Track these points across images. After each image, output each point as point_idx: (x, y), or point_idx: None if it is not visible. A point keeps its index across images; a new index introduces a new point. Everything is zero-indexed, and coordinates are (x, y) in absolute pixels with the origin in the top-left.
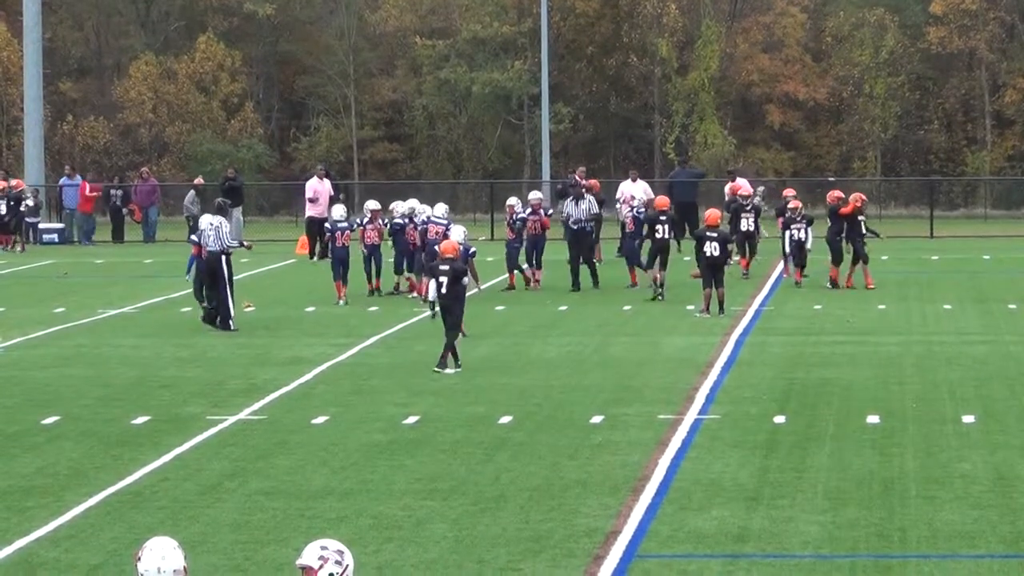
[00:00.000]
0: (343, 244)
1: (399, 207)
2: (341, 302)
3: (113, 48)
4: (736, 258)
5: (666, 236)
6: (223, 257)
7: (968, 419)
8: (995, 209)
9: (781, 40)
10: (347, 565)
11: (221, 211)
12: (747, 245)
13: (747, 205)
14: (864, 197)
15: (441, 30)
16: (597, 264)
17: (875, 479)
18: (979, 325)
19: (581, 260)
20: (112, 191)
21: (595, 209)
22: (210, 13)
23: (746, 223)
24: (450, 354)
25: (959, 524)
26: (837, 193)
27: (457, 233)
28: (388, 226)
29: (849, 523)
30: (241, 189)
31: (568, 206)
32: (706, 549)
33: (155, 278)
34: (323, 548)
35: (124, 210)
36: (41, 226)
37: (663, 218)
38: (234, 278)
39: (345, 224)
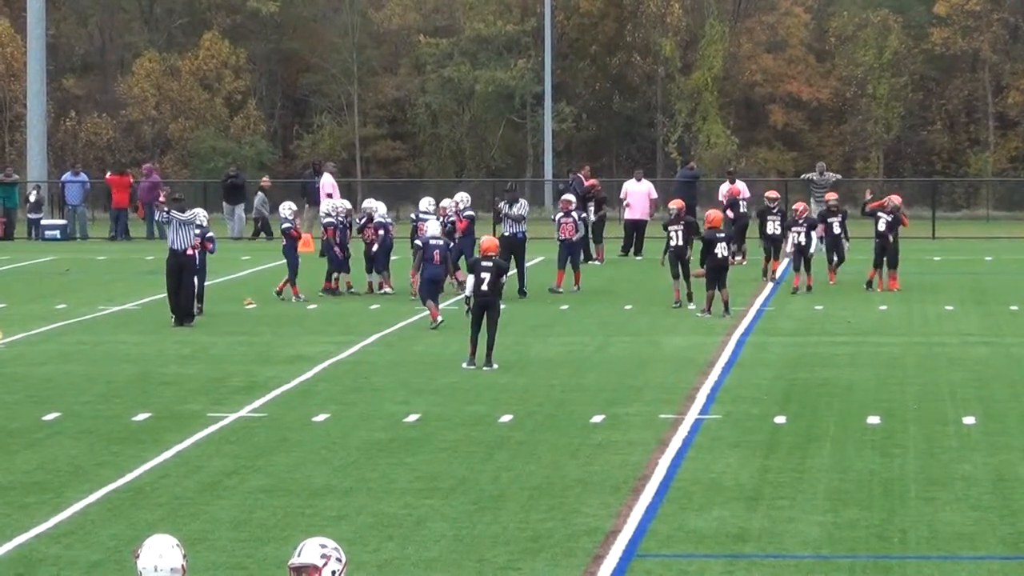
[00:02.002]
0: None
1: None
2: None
3: (117, 45)
4: (738, 259)
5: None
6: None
7: (969, 420)
8: (997, 210)
9: (785, 40)
10: (345, 562)
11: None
12: (772, 248)
13: (774, 208)
14: (897, 200)
15: (445, 28)
16: (598, 264)
17: (875, 480)
18: (980, 326)
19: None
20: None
21: (525, 214)
22: (214, 10)
23: (772, 226)
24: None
25: (959, 525)
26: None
27: (434, 227)
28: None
29: (849, 524)
30: (243, 186)
31: (503, 209)
32: (706, 549)
33: (157, 275)
34: (322, 546)
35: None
36: (43, 222)
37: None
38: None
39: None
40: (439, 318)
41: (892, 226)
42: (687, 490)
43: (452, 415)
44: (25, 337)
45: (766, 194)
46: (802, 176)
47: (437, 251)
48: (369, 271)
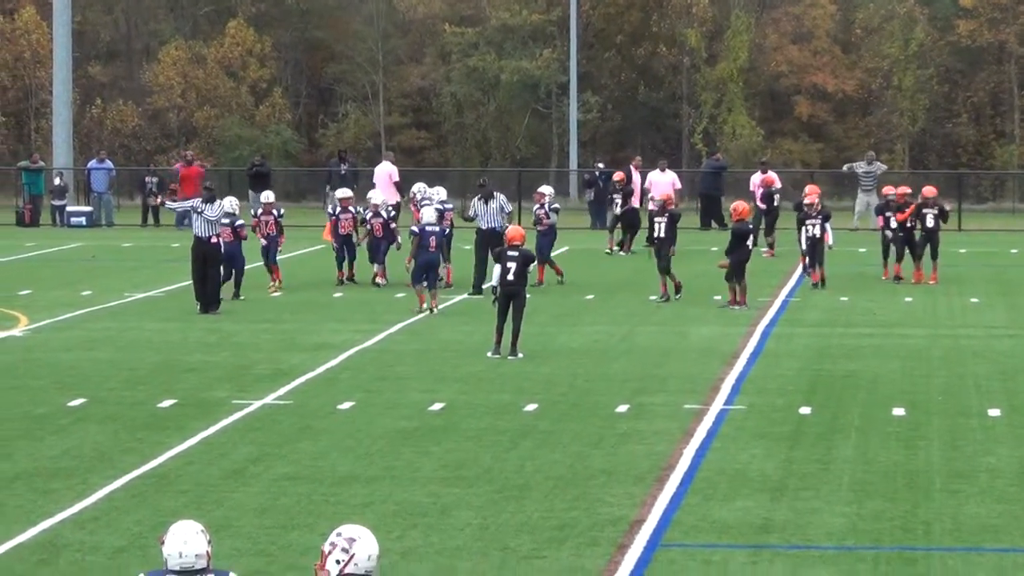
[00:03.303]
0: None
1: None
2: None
3: (142, 32)
4: (763, 251)
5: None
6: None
7: (994, 412)
8: (1023, 203)
9: (810, 31)
10: (352, 554)
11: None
12: (813, 252)
13: (813, 212)
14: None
15: (470, 18)
16: (623, 255)
17: (900, 472)
18: (1006, 319)
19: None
20: (147, 178)
21: (508, 208)
22: None
23: (811, 230)
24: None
25: (984, 517)
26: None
27: (429, 214)
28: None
29: (873, 515)
30: (269, 175)
31: (477, 206)
32: (730, 539)
33: (183, 262)
34: (337, 534)
35: (157, 197)
36: (69, 209)
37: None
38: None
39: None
40: (424, 306)
41: (938, 219)
42: (712, 480)
43: (477, 404)
44: (51, 323)
45: (806, 192)
46: (845, 167)
47: (433, 237)
48: (372, 262)
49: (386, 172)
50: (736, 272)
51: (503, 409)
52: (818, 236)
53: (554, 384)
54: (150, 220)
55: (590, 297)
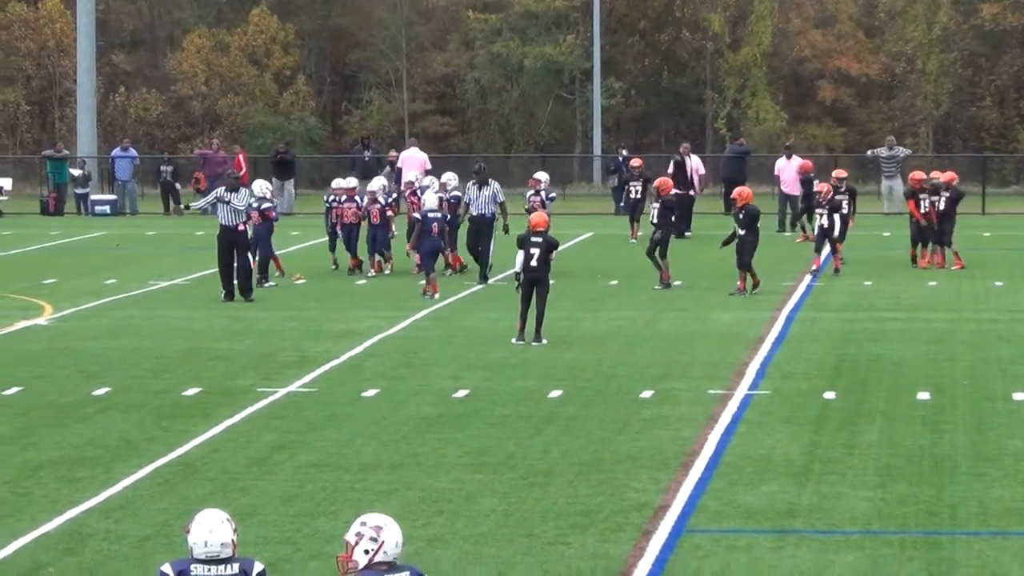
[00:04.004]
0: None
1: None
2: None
3: (166, 20)
4: (787, 234)
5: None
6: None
7: (1019, 396)
8: None
9: (834, 16)
10: (382, 542)
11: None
12: (822, 241)
13: (840, 187)
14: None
15: (494, 4)
16: (633, 243)
17: (925, 455)
18: None
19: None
20: (162, 166)
21: (501, 198)
22: None
23: (820, 219)
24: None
25: (1009, 501)
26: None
27: (432, 200)
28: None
29: (899, 499)
30: (293, 162)
31: (470, 191)
32: (755, 524)
33: (207, 250)
34: (362, 524)
35: (177, 184)
36: (93, 197)
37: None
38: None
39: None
40: (437, 295)
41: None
42: (736, 465)
43: (501, 390)
44: (75, 312)
45: (834, 174)
46: (868, 152)
47: (436, 223)
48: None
49: (420, 159)
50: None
51: (527, 395)
52: (825, 226)
53: (578, 370)
54: (171, 208)
55: (614, 283)
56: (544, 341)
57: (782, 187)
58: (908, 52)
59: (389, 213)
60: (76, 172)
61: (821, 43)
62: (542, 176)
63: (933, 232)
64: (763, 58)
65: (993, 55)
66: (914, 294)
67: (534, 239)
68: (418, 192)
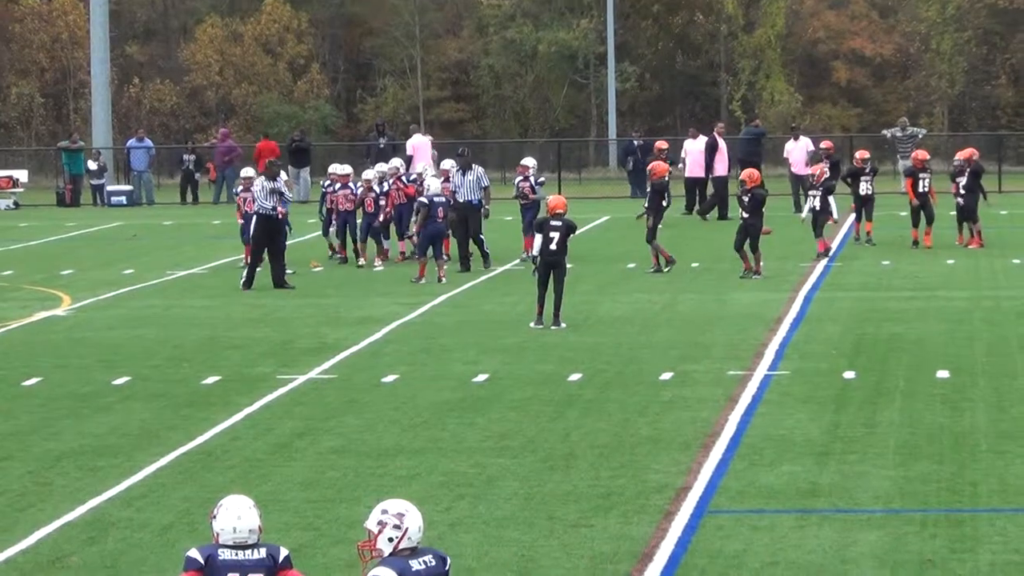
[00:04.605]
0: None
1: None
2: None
3: (179, 11)
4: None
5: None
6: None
7: None
8: None
9: None
10: (406, 528)
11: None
12: (863, 210)
13: (865, 168)
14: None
15: None
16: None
17: (946, 434)
18: None
19: (470, 236)
20: (185, 155)
21: (485, 182)
22: None
23: (865, 187)
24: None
25: None
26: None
27: (435, 185)
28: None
29: (920, 478)
30: (309, 150)
31: (454, 177)
32: (777, 504)
33: (224, 239)
34: (383, 512)
35: (197, 174)
36: (109, 188)
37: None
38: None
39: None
40: (444, 279)
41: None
42: (757, 446)
43: (521, 374)
44: (93, 302)
45: (856, 154)
46: (883, 132)
47: (441, 208)
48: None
49: (428, 146)
50: (753, 240)
51: (547, 379)
52: (816, 208)
53: (598, 353)
54: (189, 198)
55: (632, 266)
56: (563, 325)
57: (792, 168)
58: (922, 31)
59: (382, 202)
60: (93, 165)
61: (835, 24)
62: (529, 162)
63: (929, 211)
64: (777, 40)
65: (1007, 33)
66: (932, 273)
67: (554, 222)
68: (409, 179)
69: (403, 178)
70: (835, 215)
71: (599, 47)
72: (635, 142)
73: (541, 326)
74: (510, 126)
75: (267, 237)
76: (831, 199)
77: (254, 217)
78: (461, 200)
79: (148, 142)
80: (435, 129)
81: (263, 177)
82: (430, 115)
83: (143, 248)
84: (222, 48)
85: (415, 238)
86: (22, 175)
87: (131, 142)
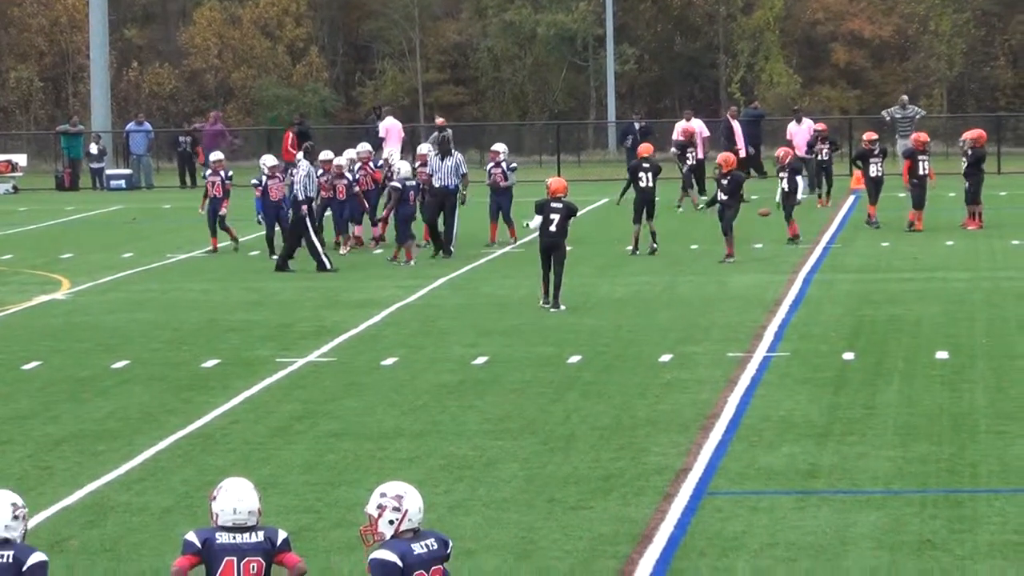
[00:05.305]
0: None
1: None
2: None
3: None
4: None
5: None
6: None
7: None
8: None
9: None
10: (405, 510)
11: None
12: (874, 191)
13: (875, 150)
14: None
15: None
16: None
17: (945, 415)
18: None
19: (443, 222)
20: (180, 138)
21: (464, 169)
22: None
23: (875, 169)
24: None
25: None
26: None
27: (406, 169)
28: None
29: (919, 458)
30: (308, 133)
31: (432, 161)
32: (776, 486)
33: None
34: (382, 495)
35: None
36: (108, 172)
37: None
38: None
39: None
40: (412, 262)
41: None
42: (756, 427)
43: (520, 356)
44: (93, 286)
45: (865, 136)
46: (883, 112)
47: (412, 191)
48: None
49: (398, 125)
50: (727, 223)
51: (547, 361)
52: (786, 190)
53: (597, 335)
54: (188, 181)
55: (630, 248)
56: (562, 307)
57: (798, 152)
58: (921, 13)
59: (356, 189)
60: (94, 149)
61: (834, 5)
62: (501, 147)
63: (923, 194)
64: (776, 21)
65: (1006, 14)
66: (931, 254)
67: (554, 204)
68: (380, 164)
69: (371, 163)
70: (800, 197)
71: (598, 29)
72: (636, 124)
73: (548, 305)
74: (509, 109)
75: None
76: (799, 179)
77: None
78: (438, 185)
79: (147, 126)
80: (434, 112)
81: (307, 162)
82: (429, 98)
83: (142, 232)
84: (221, 31)
85: (382, 224)
86: (21, 159)
87: (130, 126)
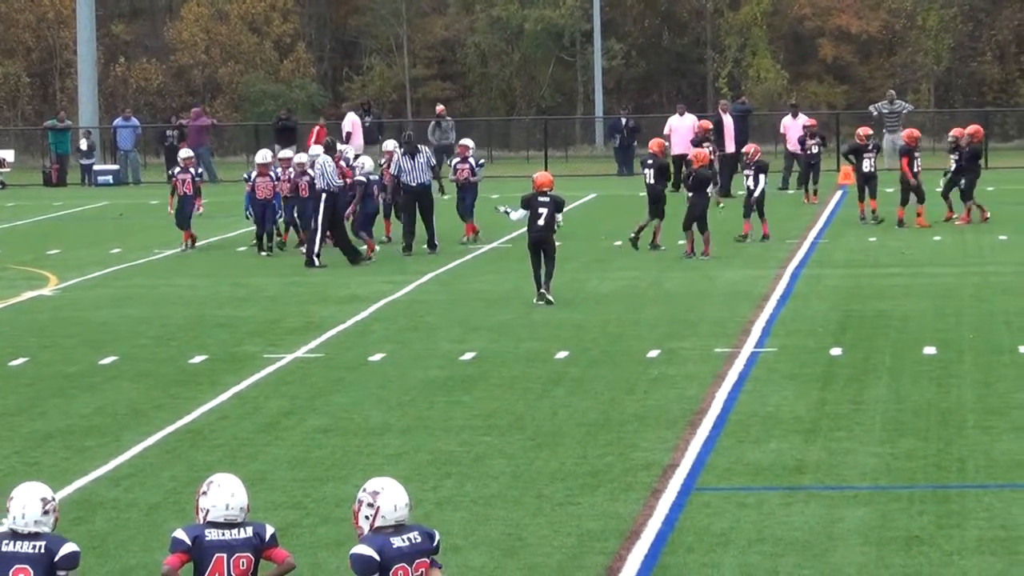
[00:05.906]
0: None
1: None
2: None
3: None
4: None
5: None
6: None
7: None
8: None
9: None
10: (378, 507)
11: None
12: (867, 188)
13: (868, 144)
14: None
15: None
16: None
17: (932, 410)
18: None
19: (420, 220)
20: (168, 132)
21: (433, 162)
22: None
23: (868, 164)
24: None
25: (1017, 454)
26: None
27: (369, 163)
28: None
29: (907, 454)
30: (295, 129)
31: (402, 162)
32: (764, 481)
33: (210, 218)
34: (363, 491)
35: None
36: (96, 167)
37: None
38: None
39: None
40: (373, 257)
41: (970, 159)
42: (744, 423)
43: (508, 352)
44: (80, 282)
45: (859, 131)
46: (870, 107)
47: (375, 186)
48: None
49: (358, 122)
50: (700, 220)
51: (534, 357)
52: (751, 188)
53: (585, 331)
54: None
55: (618, 243)
56: (551, 301)
57: (788, 145)
58: (908, 8)
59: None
60: (84, 144)
61: (821, 1)
62: (469, 142)
63: (920, 191)
64: (763, 17)
65: (993, 10)
66: (919, 249)
67: (542, 199)
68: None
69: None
70: (755, 194)
71: (585, 25)
72: (623, 120)
73: (542, 302)
74: (496, 104)
75: (334, 213)
76: (763, 177)
77: (321, 195)
78: (414, 184)
79: (134, 121)
80: (422, 107)
81: (325, 154)
82: (416, 93)
83: (130, 227)
84: (208, 27)
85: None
86: (8, 155)
87: (117, 121)
